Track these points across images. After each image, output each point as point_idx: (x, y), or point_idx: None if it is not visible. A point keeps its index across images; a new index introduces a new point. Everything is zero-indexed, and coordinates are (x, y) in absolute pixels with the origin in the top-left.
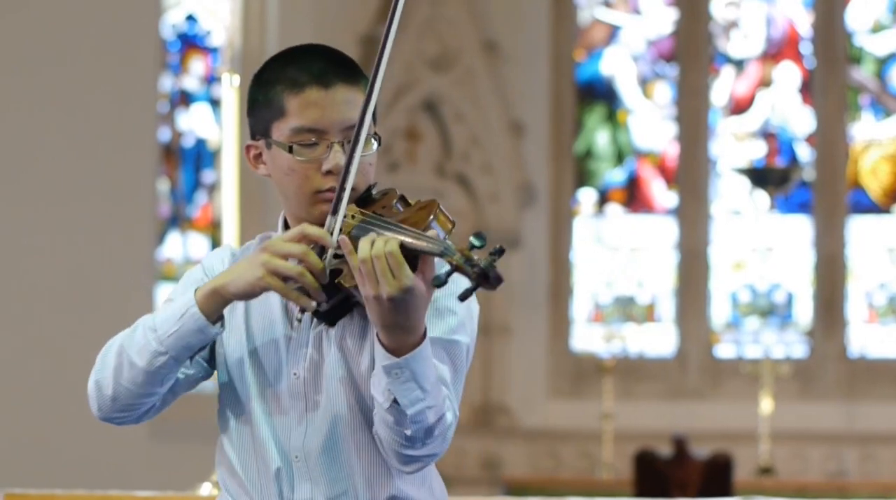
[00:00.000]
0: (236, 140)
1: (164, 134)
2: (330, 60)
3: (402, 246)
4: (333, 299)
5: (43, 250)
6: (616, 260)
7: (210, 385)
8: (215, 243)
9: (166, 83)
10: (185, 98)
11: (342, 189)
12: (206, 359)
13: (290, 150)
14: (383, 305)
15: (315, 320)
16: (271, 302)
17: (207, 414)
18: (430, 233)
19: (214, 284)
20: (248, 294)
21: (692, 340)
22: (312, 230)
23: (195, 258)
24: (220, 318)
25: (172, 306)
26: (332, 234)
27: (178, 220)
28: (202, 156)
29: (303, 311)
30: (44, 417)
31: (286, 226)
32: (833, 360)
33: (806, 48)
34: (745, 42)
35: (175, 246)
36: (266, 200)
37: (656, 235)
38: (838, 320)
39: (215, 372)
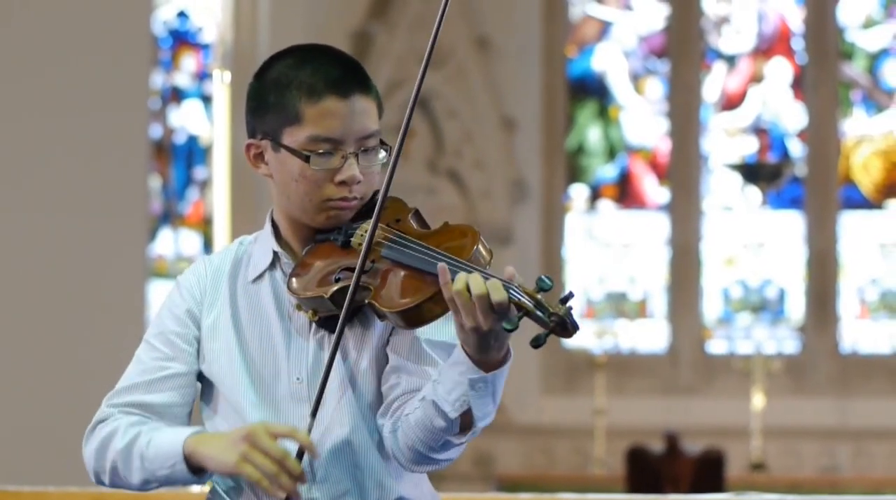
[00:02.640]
0: (228, 137)
1: (156, 131)
2: (345, 67)
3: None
4: (343, 310)
5: (34, 247)
6: (608, 256)
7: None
8: (207, 240)
9: (158, 80)
10: (176, 95)
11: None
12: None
13: (307, 159)
14: (481, 334)
15: (315, 325)
16: (263, 305)
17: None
18: (508, 271)
19: (196, 448)
20: (221, 474)
21: (684, 336)
22: (302, 436)
23: (187, 255)
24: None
25: (164, 444)
26: (362, 255)
27: (169, 216)
28: (194, 152)
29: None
30: (36, 414)
31: (274, 226)
32: (825, 355)
33: (797, 44)
34: (736, 38)
35: (167, 243)
36: (257, 197)
37: (648, 230)
38: (830, 316)
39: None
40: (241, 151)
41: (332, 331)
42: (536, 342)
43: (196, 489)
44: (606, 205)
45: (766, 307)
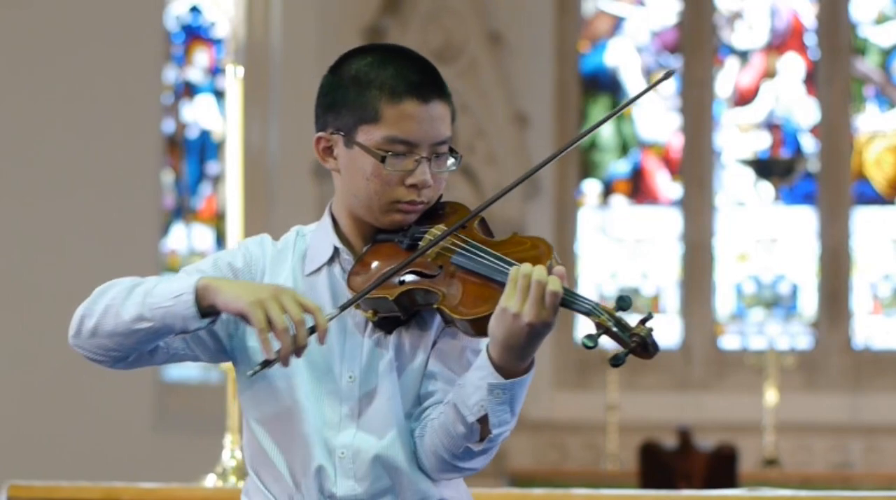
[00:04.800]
0: (240, 132)
1: (169, 125)
2: (426, 72)
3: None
4: (407, 313)
5: (47, 242)
6: (621, 251)
7: (216, 377)
8: (220, 235)
9: (170, 75)
10: (189, 89)
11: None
12: (212, 347)
13: (383, 160)
14: (518, 326)
15: (372, 325)
16: (319, 299)
17: (212, 407)
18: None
19: (213, 283)
20: (230, 307)
21: (697, 331)
22: (321, 321)
23: (199, 250)
24: (210, 314)
25: (174, 282)
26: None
27: (182, 211)
28: (206, 147)
29: (263, 362)
30: (48, 409)
31: (333, 220)
32: (838, 351)
33: (810, 39)
34: (749, 33)
35: (179, 238)
36: (270, 192)
37: (661, 226)
38: (843, 312)
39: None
40: (254, 146)
41: (388, 332)
42: (616, 361)
43: (208, 483)
44: (619, 200)
45: (778, 303)
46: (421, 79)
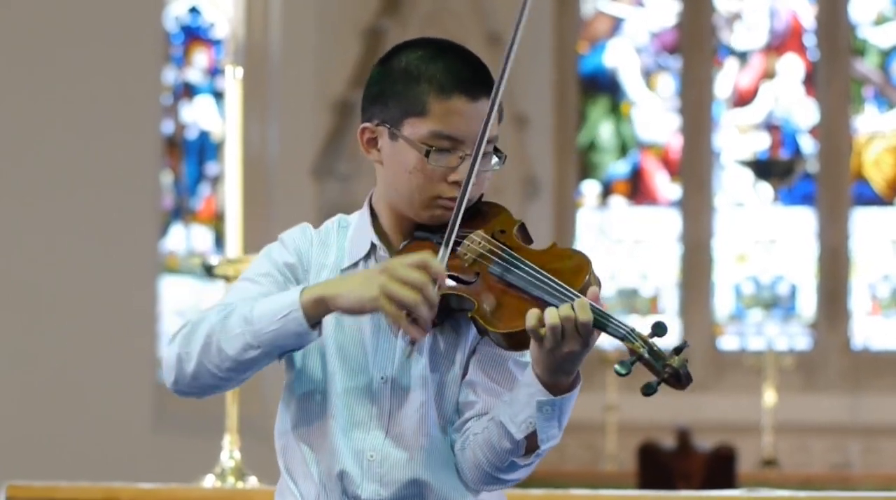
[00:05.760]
0: (240, 132)
1: (168, 126)
2: (476, 69)
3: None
4: (441, 317)
5: (46, 242)
6: (619, 252)
7: None
8: (218, 236)
9: (169, 75)
10: (188, 90)
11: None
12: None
13: (427, 154)
14: (560, 355)
15: None
16: None
17: (211, 407)
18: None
19: (324, 292)
20: (358, 312)
21: (695, 332)
22: (435, 265)
23: (198, 250)
24: (319, 323)
25: (273, 301)
26: (443, 259)
27: (181, 212)
28: (205, 148)
29: (412, 342)
30: (48, 409)
31: (372, 212)
32: (836, 352)
33: (809, 40)
34: (748, 34)
35: (178, 238)
36: (269, 193)
37: (660, 227)
38: (842, 313)
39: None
40: (254, 147)
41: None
42: (648, 390)
43: (207, 483)
44: (618, 201)
45: (777, 304)
46: (471, 76)
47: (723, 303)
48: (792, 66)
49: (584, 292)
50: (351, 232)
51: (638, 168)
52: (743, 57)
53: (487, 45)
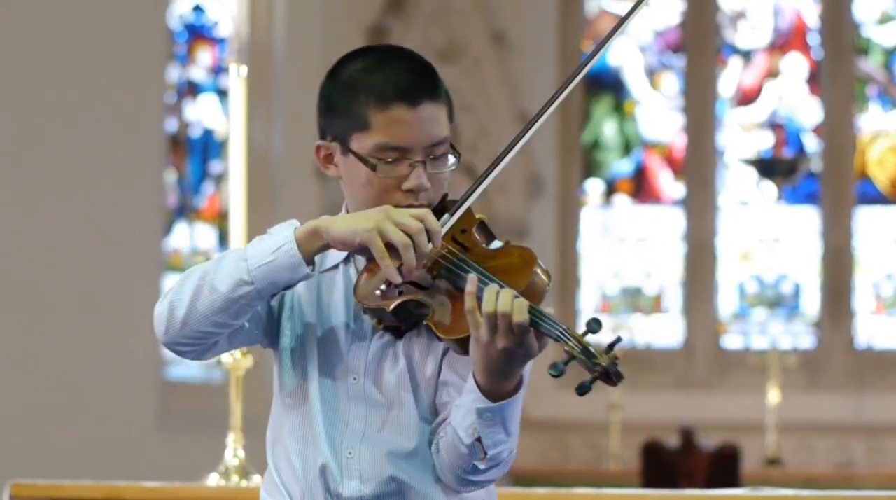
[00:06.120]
0: (244, 130)
1: (172, 124)
2: (415, 73)
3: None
4: (407, 324)
5: (50, 241)
6: (623, 251)
7: (218, 376)
8: (222, 234)
9: (173, 73)
10: (192, 88)
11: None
12: (264, 328)
13: (374, 168)
14: (494, 352)
15: (382, 330)
16: (335, 297)
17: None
18: (548, 311)
19: (317, 223)
20: (347, 242)
21: (699, 331)
22: (433, 222)
23: (202, 249)
24: (313, 261)
25: (267, 240)
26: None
27: (185, 210)
28: (209, 146)
29: (388, 284)
30: (51, 408)
31: None
32: (840, 351)
33: (813, 39)
34: (752, 33)
35: (182, 237)
36: (274, 191)
37: (664, 225)
38: (845, 311)
39: (267, 346)
40: (258, 145)
41: (398, 337)
42: (581, 389)
43: (211, 482)
44: (622, 200)
45: (781, 303)
46: (409, 83)
47: (726, 302)
48: (796, 65)
49: (529, 289)
50: None
51: (642, 167)
52: (747, 56)
53: (492, 43)
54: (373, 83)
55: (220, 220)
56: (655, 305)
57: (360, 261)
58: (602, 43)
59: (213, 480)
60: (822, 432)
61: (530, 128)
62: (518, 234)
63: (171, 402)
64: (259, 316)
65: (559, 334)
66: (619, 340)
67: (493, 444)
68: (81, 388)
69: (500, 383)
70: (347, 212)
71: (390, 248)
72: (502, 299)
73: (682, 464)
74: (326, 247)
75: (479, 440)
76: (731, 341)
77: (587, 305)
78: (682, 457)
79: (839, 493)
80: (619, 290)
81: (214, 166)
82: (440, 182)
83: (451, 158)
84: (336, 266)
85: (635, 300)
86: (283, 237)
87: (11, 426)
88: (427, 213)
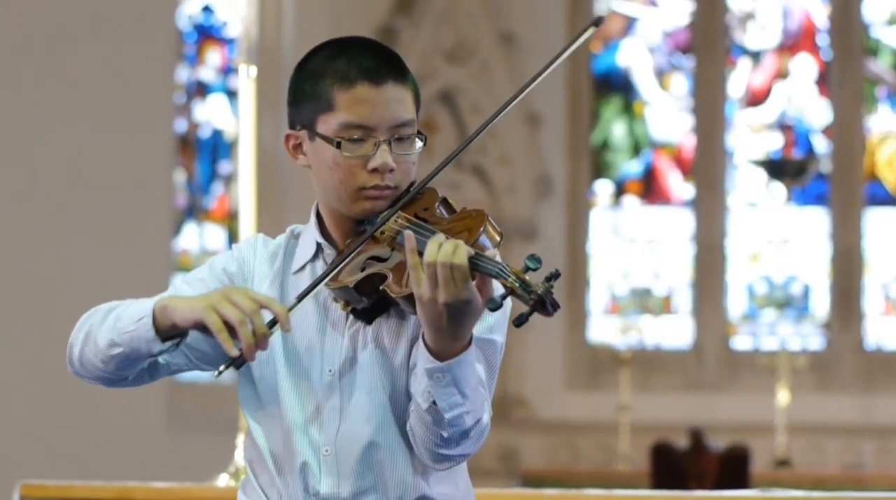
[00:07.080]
0: (253, 131)
1: (181, 125)
2: (380, 56)
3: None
4: (371, 300)
5: (58, 242)
6: (632, 252)
7: (226, 378)
8: (232, 234)
9: (183, 74)
10: (201, 89)
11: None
12: (197, 357)
13: (338, 145)
14: (437, 309)
15: (352, 318)
16: (302, 289)
17: (225, 406)
18: (489, 253)
19: (167, 302)
20: (186, 323)
21: (709, 332)
22: (278, 307)
23: (212, 249)
24: (175, 339)
25: (141, 303)
26: (381, 227)
27: (194, 211)
28: (219, 147)
29: (230, 361)
30: (61, 409)
31: (319, 217)
32: (850, 352)
33: (822, 40)
34: (761, 34)
35: (191, 237)
36: (283, 192)
37: (673, 226)
38: (855, 313)
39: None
40: (267, 146)
41: (368, 322)
42: (518, 321)
43: (221, 482)
44: (631, 201)
45: (790, 304)
46: (373, 63)
47: (736, 303)
48: (805, 66)
49: (477, 244)
50: (301, 238)
51: (651, 168)
52: (756, 57)
53: (500, 43)
54: (337, 66)
55: (230, 220)
56: (665, 306)
57: (330, 256)
58: (549, 65)
59: (223, 481)
60: (832, 433)
61: (470, 142)
62: (527, 235)
63: (181, 403)
64: (200, 350)
65: (498, 271)
66: (557, 273)
67: (449, 406)
68: (91, 389)
69: (447, 342)
70: (318, 204)
71: (229, 326)
72: (444, 249)
73: (691, 465)
74: (172, 324)
75: (434, 403)
76: (741, 342)
77: (596, 306)
78: (692, 458)
79: (848, 494)
80: (628, 291)
81: (224, 167)
82: (406, 166)
83: (418, 142)
84: (304, 267)
85: (644, 301)
86: (146, 307)
87: (22, 427)
88: (272, 300)
